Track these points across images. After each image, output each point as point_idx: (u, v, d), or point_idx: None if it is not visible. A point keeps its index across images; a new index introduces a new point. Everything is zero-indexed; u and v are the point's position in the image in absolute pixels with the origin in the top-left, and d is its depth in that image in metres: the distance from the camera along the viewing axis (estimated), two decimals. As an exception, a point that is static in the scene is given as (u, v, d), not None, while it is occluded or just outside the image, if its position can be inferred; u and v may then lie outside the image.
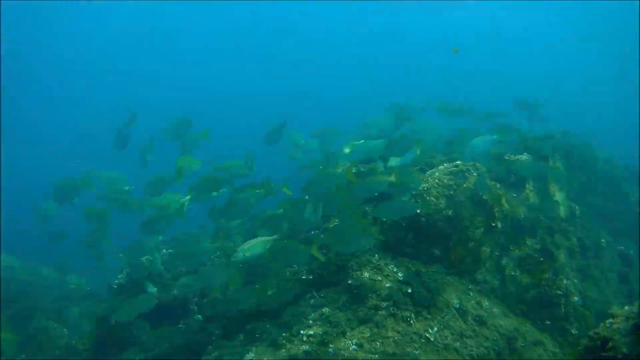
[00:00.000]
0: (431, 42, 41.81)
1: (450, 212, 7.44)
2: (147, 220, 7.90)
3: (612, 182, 11.08)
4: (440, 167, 7.77)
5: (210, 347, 7.70)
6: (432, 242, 7.50)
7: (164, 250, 10.10)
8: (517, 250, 8.16)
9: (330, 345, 6.31)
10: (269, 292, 7.59)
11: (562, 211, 8.95)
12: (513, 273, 8.11)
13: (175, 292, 8.90)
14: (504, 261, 8.13)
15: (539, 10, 36.25)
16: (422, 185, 7.45)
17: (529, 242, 8.25)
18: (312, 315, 6.77)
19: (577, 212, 9.19)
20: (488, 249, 7.88)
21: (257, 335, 7.26)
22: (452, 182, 7.57)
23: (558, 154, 9.43)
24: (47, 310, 11.24)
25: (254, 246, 6.99)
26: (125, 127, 9.15)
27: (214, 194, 7.99)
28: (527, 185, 8.70)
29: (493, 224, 7.81)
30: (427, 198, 7.38)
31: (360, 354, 6.33)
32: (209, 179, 7.96)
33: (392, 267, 7.32)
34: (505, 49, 43.56)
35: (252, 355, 6.93)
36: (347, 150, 7.75)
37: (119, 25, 42.14)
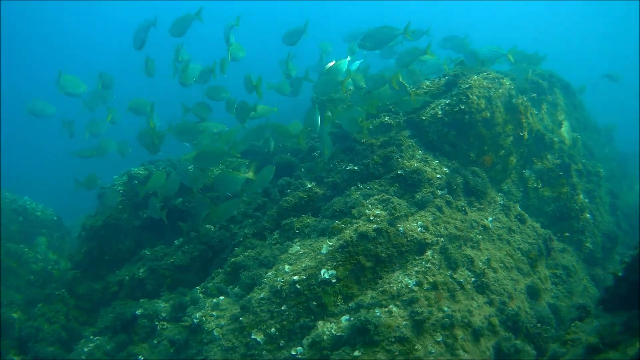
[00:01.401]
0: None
1: (488, 115, 7.47)
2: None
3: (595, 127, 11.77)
4: (475, 76, 7.79)
5: (237, 248, 7.13)
6: (470, 143, 7.48)
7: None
8: (539, 164, 8.37)
9: (399, 225, 6.04)
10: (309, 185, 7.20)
11: (567, 139, 9.34)
12: (535, 185, 8.29)
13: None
14: (527, 173, 8.28)
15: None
16: (465, 85, 7.44)
17: (549, 156, 8.49)
18: (371, 200, 6.46)
19: (579, 142, 9.65)
20: (515, 160, 7.99)
21: (297, 231, 6.83)
22: (490, 86, 7.61)
23: (557, 89, 9.86)
24: (12, 239, 9.88)
25: None
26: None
27: None
28: (542, 106, 8.98)
29: (521, 134, 7.95)
30: (470, 97, 7.35)
31: (428, 235, 6.13)
32: None
33: (436, 162, 7.22)
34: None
35: (297, 247, 6.50)
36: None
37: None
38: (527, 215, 7.64)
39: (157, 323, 6.86)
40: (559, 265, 7.49)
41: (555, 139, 8.77)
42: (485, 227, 6.73)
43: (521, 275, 6.76)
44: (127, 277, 7.72)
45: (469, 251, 6.28)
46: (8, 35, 32.97)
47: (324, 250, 5.91)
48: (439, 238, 6.20)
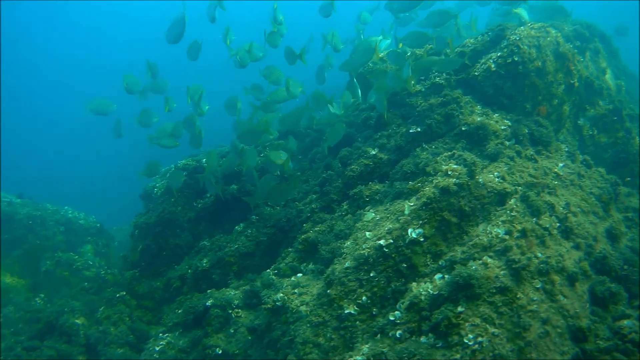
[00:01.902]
0: None
1: (539, 64, 7.30)
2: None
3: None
4: (522, 27, 7.62)
5: (305, 224, 6.95)
6: (525, 95, 7.30)
7: None
8: (592, 110, 8.20)
9: (478, 177, 5.86)
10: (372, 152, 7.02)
11: (612, 85, 9.16)
12: (590, 133, 8.12)
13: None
14: (580, 121, 8.12)
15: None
16: (514, 36, 7.29)
17: (601, 102, 8.32)
18: (441, 157, 6.28)
19: (623, 88, 9.48)
20: (567, 108, 7.82)
21: (367, 199, 6.65)
22: (538, 35, 7.45)
23: (597, 38, 9.66)
24: (58, 248, 9.68)
25: None
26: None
27: None
28: (586, 54, 8.81)
29: (572, 81, 7.78)
30: (521, 47, 7.18)
31: (506, 185, 5.96)
32: None
33: (496, 115, 7.05)
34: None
35: (372, 213, 6.32)
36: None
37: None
38: (591, 161, 7.48)
39: (230, 311, 6.67)
40: (629, 209, 7.33)
41: (603, 85, 8.60)
42: (557, 174, 6.56)
43: (598, 219, 6.60)
44: (189, 271, 7.54)
45: (547, 197, 6.11)
46: (8, 36, 32.46)
47: (406, 211, 5.72)
48: (516, 187, 6.04)
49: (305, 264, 6.60)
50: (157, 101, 8.39)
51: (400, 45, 7.81)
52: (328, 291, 5.58)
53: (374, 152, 7.02)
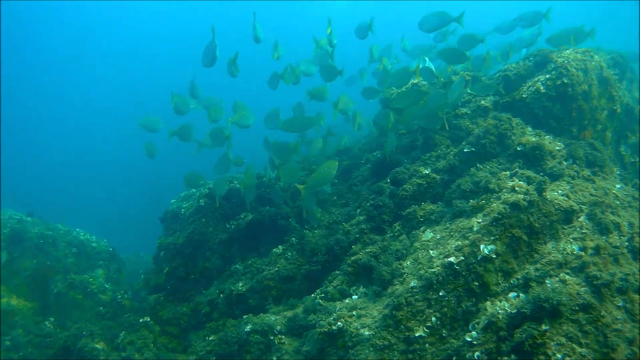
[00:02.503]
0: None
1: (586, 87, 7.25)
2: None
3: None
4: (566, 51, 7.60)
5: (354, 246, 6.58)
6: (572, 118, 7.22)
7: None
8: (633, 138, 8.13)
9: (545, 194, 5.65)
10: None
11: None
12: (632, 160, 8.03)
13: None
14: (622, 148, 8.04)
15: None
16: (562, 59, 7.25)
17: (641, 130, 8.28)
18: (504, 175, 6.06)
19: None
20: (610, 134, 7.76)
21: (421, 219, 6.35)
22: (584, 58, 7.43)
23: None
24: (69, 271, 9.02)
25: None
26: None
27: None
28: (623, 82, 8.80)
29: (614, 107, 7.74)
30: (570, 69, 7.13)
31: (572, 203, 5.76)
32: None
33: (548, 137, 6.92)
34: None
35: (431, 233, 6.03)
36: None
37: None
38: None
39: (272, 337, 6.18)
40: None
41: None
42: (616, 195, 6.40)
43: (656, 243, 6.40)
44: (221, 295, 7.05)
45: (611, 217, 5.91)
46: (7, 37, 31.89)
47: (475, 227, 5.43)
48: (581, 205, 5.84)
49: (355, 287, 6.22)
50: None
51: (450, 69, 7.75)
52: (394, 312, 5.20)
53: (427, 172, 6.77)
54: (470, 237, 5.37)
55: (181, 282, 7.53)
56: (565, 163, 6.41)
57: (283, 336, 6.13)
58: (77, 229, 10.24)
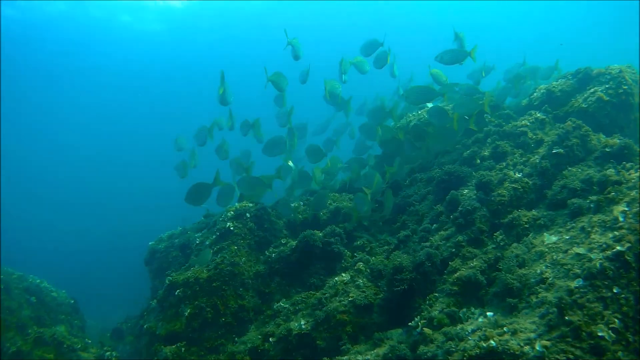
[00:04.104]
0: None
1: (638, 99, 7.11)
2: None
3: None
4: (614, 66, 7.46)
5: (451, 262, 5.41)
6: (631, 129, 6.99)
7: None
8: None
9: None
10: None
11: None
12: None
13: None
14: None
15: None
16: (614, 70, 7.12)
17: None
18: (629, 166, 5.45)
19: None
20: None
21: (526, 225, 5.43)
22: (632, 71, 7.37)
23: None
24: (25, 326, 6.51)
25: None
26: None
27: None
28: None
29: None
30: (627, 78, 6.99)
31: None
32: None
33: (624, 144, 6.51)
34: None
35: (553, 237, 5.11)
36: None
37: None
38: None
39: (365, 384, 4.69)
40: None
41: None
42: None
43: None
44: (271, 339, 5.38)
45: None
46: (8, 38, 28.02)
47: (621, 217, 4.64)
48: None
49: (465, 308, 4.99)
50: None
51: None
52: (566, 318, 4.08)
53: (519, 175, 5.92)
54: (623, 227, 4.53)
55: (206, 327, 5.69)
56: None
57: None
58: (30, 275, 7.78)
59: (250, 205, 6.74)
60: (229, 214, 6.60)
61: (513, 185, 5.79)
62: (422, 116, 8.21)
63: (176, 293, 5.91)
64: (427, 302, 5.19)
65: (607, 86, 6.94)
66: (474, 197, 5.86)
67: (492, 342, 4.21)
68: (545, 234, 5.24)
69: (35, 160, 39.32)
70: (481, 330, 4.43)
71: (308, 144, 7.52)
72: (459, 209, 5.74)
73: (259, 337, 5.56)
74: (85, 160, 39.69)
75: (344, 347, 5.17)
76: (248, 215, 6.54)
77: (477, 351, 4.18)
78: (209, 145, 7.95)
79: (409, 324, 5.07)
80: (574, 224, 5.11)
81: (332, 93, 8.02)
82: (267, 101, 8.45)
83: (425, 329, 4.88)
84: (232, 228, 6.35)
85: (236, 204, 6.80)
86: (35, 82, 35.67)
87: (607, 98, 6.80)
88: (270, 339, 5.42)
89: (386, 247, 6.29)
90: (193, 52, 37.26)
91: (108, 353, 6.64)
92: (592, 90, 7.04)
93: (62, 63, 34.81)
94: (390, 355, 4.79)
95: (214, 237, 6.49)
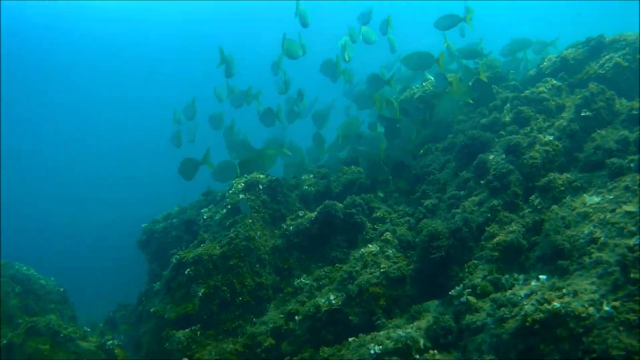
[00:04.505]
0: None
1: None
2: None
3: None
4: (627, 33, 7.31)
5: (487, 227, 5.10)
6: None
7: None
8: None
9: None
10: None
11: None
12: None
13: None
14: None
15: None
16: (630, 37, 7.00)
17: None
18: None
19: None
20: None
21: (562, 188, 5.17)
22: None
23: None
24: (12, 316, 5.84)
25: None
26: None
27: None
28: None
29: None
30: (641, 45, 6.84)
31: None
32: None
33: None
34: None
35: (595, 198, 4.86)
36: None
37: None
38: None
39: (419, 357, 4.30)
40: None
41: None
42: None
43: None
44: (296, 318, 4.94)
45: None
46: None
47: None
48: None
49: (508, 274, 4.69)
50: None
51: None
52: (632, 276, 3.81)
53: (550, 138, 5.66)
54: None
55: (223, 308, 5.20)
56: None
57: (436, 352, 4.28)
58: (16, 262, 7.06)
59: (262, 176, 6.27)
60: (239, 186, 6.11)
61: (545, 147, 5.53)
62: (426, 88, 7.94)
63: (186, 272, 5.39)
64: (467, 269, 4.87)
65: (624, 52, 6.79)
66: (504, 160, 5.58)
67: (555, 304, 3.89)
68: (584, 195, 4.99)
69: (24, 150, 37.35)
70: (537, 293, 4.12)
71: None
72: (492, 172, 5.44)
73: (281, 316, 5.12)
74: (75, 151, 37.89)
75: (378, 321, 4.80)
76: (261, 187, 6.07)
77: (540, 315, 3.84)
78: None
79: (450, 292, 4.74)
80: (615, 184, 4.88)
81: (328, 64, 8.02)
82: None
83: (470, 297, 4.56)
84: (245, 198, 5.86)
85: (246, 175, 6.33)
86: (33, 73, 34.54)
87: (626, 64, 6.64)
88: (296, 317, 4.99)
89: (407, 218, 5.94)
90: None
91: (110, 342, 6.08)
92: (607, 56, 6.87)
93: (53, 56, 33.80)
94: (434, 326, 4.44)
95: (224, 211, 6.00)
